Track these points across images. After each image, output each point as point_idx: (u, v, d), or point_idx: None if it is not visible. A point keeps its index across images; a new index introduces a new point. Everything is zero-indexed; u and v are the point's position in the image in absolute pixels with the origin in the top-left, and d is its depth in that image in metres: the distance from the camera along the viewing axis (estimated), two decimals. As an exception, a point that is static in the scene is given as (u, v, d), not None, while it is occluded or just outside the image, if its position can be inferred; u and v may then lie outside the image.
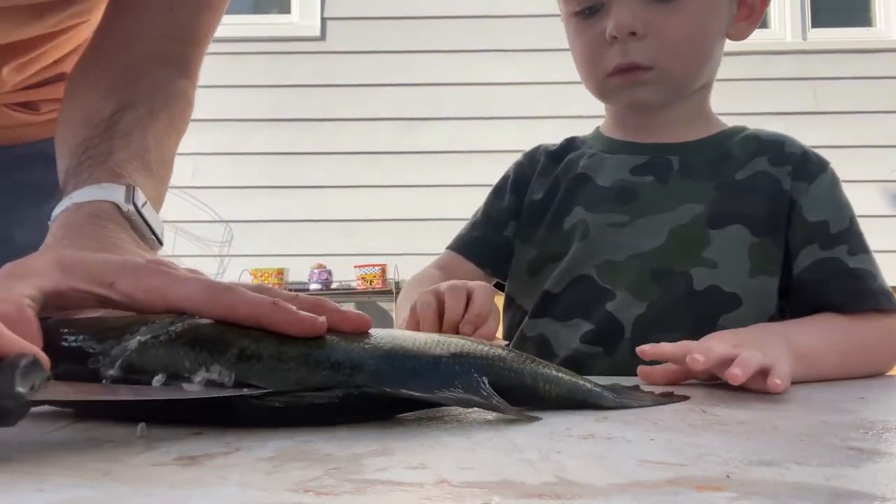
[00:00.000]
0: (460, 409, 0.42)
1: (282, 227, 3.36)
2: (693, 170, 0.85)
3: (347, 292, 3.25)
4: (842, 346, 0.70)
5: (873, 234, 0.84)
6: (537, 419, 0.40)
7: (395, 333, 0.43)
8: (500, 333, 0.93)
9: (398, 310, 0.86)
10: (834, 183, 0.84)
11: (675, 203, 0.83)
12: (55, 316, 0.42)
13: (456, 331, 0.67)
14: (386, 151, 3.40)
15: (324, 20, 3.49)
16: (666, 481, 0.27)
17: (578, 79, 0.88)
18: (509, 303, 0.93)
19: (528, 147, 0.98)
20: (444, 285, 0.71)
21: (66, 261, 0.43)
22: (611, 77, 0.83)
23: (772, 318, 0.80)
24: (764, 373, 0.54)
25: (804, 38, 3.51)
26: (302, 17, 3.50)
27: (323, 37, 3.48)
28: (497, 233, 0.93)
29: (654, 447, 0.34)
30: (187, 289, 0.41)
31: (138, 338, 0.38)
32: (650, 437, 0.36)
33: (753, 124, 0.92)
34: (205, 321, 0.40)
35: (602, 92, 0.86)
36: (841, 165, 0.87)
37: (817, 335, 0.70)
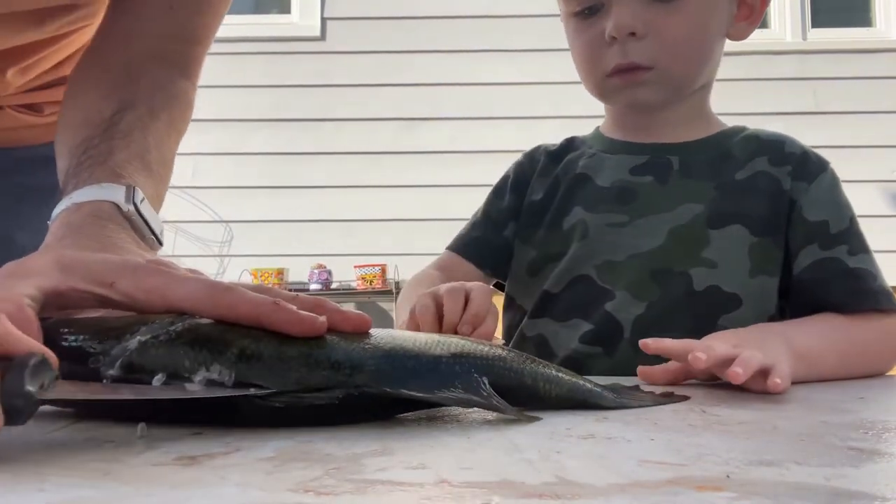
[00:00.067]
0: (460, 409, 0.42)
1: (282, 227, 3.36)
2: (693, 170, 0.85)
3: (347, 292, 3.25)
4: (842, 347, 0.70)
5: (873, 234, 0.84)
6: (537, 419, 0.40)
7: (396, 333, 0.43)
8: (499, 333, 0.93)
9: (398, 310, 0.86)
10: (834, 183, 0.84)
11: (674, 203, 0.83)
12: (55, 316, 0.42)
13: (455, 332, 0.67)
14: (386, 151, 3.40)
15: (324, 20, 3.49)
16: (666, 481, 0.27)
17: (578, 79, 0.88)
18: (509, 303, 0.93)
19: (528, 147, 0.98)
20: (442, 287, 0.71)
21: (66, 260, 0.43)
22: (610, 77, 0.83)
23: (772, 319, 0.80)
24: (764, 373, 0.54)
25: (804, 38, 3.51)
26: (302, 17, 3.50)
27: (323, 37, 3.48)
28: (497, 233, 0.93)
29: (654, 447, 0.34)
30: (187, 289, 0.41)
31: (138, 338, 0.38)
32: (650, 437, 0.36)
33: (753, 124, 0.92)
34: (205, 321, 0.40)
35: (602, 92, 0.86)
36: (841, 165, 0.87)
37: (817, 335, 0.70)
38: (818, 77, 3.41)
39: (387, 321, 3.26)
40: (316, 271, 3.27)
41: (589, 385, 0.46)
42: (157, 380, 0.37)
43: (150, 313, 0.42)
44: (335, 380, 0.37)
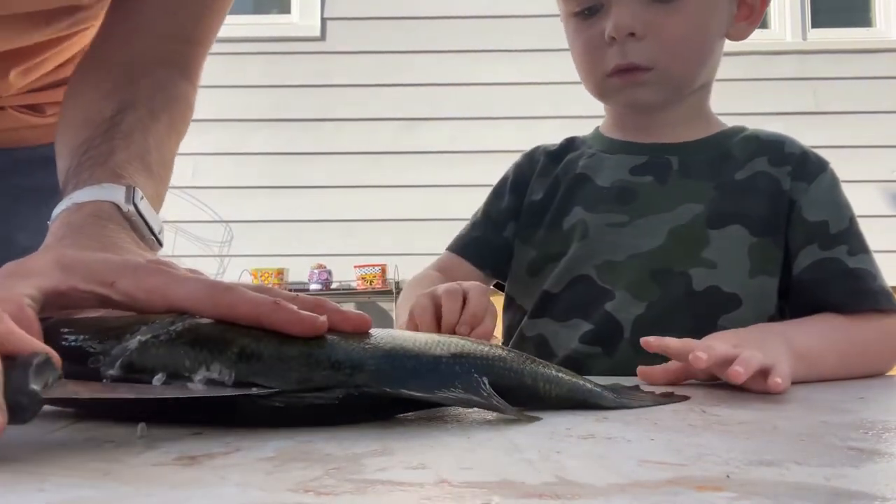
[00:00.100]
0: (460, 409, 0.42)
1: (282, 227, 3.36)
2: (692, 170, 0.85)
3: (347, 292, 3.25)
4: (841, 347, 0.70)
5: (873, 234, 0.84)
6: (537, 419, 0.40)
7: (396, 333, 0.43)
8: (500, 334, 0.93)
9: (399, 312, 0.87)
10: (833, 183, 0.84)
11: (674, 203, 0.83)
12: (56, 315, 0.42)
13: (453, 333, 0.67)
14: (386, 151, 3.40)
15: (324, 20, 3.49)
16: (666, 481, 0.27)
17: (578, 79, 0.88)
18: (509, 303, 0.93)
19: (528, 147, 0.98)
20: (440, 288, 0.71)
21: (66, 260, 0.43)
22: (610, 77, 0.83)
23: (772, 319, 0.80)
24: (764, 373, 0.54)
25: (804, 38, 3.51)
26: (302, 17, 3.50)
27: (323, 37, 3.48)
28: (496, 233, 0.93)
29: (654, 447, 0.34)
30: (188, 288, 0.41)
31: (139, 337, 0.39)
32: (650, 437, 0.36)
33: (753, 124, 0.92)
34: (205, 321, 0.40)
35: (601, 92, 0.86)
36: (841, 165, 0.87)
37: (817, 335, 0.70)
38: (818, 77, 3.41)
39: (387, 321, 3.26)
40: (316, 271, 3.27)
41: (589, 385, 0.46)
42: (158, 379, 0.37)
43: (150, 313, 0.42)
44: (335, 379, 0.37)
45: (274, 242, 3.33)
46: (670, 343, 0.59)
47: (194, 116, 0.68)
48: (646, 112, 0.87)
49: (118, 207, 0.52)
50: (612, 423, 0.40)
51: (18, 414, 0.29)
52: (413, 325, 0.70)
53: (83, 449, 0.32)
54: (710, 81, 0.88)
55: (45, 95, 0.76)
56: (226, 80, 3.15)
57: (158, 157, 0.60)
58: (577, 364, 0.79)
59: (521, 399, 0.42)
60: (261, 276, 3.20)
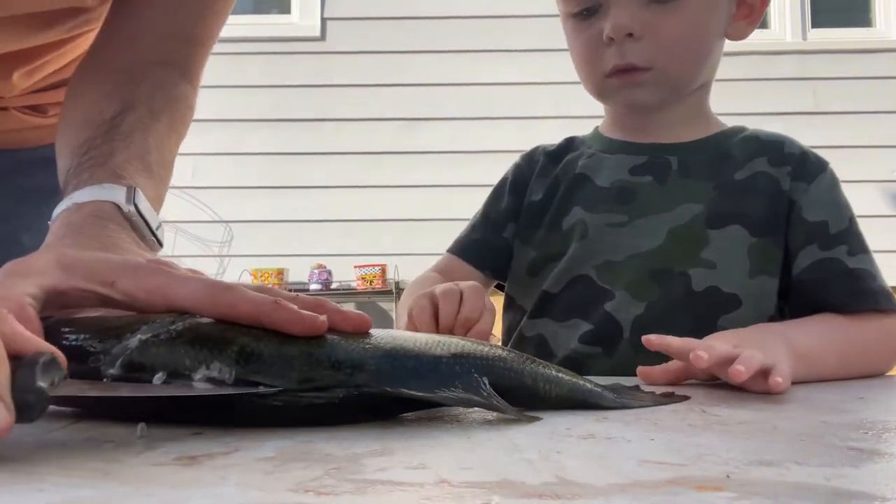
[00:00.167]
0: (460, 409, 0.42)
1: (282, 227, 3.36)
2: (692, 170, 0.85)
3: (347, 292, 3.25)
4: (841, 347, 0.70)
5: (873, 234, 0.84)
6: (537, 419, 0.40)
7: (396, 334, 0.43)
8: (500, 334, 0.93)
9: (399, 313, 0.87)
10: (833, 183, 0.84)
11: (673, 203, 0.83)
12: (56, 315, 0.42)
13: (451, 334, 0.67)
14: (386, 151, 3.40)
15: (324, 20, 3.49)
16: (666, 481, 0.27)
17: (578, 79, 0.88)
18: (509, 303, 0.93)
19: (528, 147, 0.98)
20: (438, 289, 0.72)
21: (67, 260, 0.43)
22: (609, 78, 0.83)
23: (771, 319, 0.80)
24: (764, 373, 0.54)
25: (804, 38, 3.51)
26: (302, 17, 3.50)
27: (323, 37, 3.48)
28: (496, 234, 0.93)
29: (654, 447, 0.34)
30: (188, 288, 0.41)
31: (139, 336, 0.39)
32: (650, 437, 0.36)
33: (753, 124, 0.92)
34: (205, 320, 0.40)
35: (600, 92, 0.86)
36: (840, 165, 0.87)
37: (817, 335, 0.70)
38: (818, 77, 3.42)
39: (387, 321, 3.26)
40: (316, 271, 3.27)
41: (589, 385, 0.46)
42: (158, 378, 0.37)
43: (150, 313, 0.42)
44: (336, 379, 0.37)
45: (274, 242, 3.33)
46: (671, 342, 0.59)
47: (194, 116, 0.69)
48: (645, 112, 0.87)
49: (118, 207, 0.52)
50: (612, 423, 0.40)
51: (25, 412, 0.29)
52: (412, 327, 0.70)
53: (83, 449, 0.32)
54: (709, 81, 0.88)
55: (48, 96, 0.76)
56: (226, 80, 3.15)
57: (158, 157, 0.60)
58: (576, 364, 0.79)
59: (521, 399, 0.42)
60: (261, 276, 3.20)
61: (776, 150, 0.86)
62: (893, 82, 3.39)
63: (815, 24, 3.53)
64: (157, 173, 0.59)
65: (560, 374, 0.45)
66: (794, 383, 0.56)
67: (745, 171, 0.84)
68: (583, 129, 0.97)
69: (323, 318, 0.40)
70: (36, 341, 0.33)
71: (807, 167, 0.84)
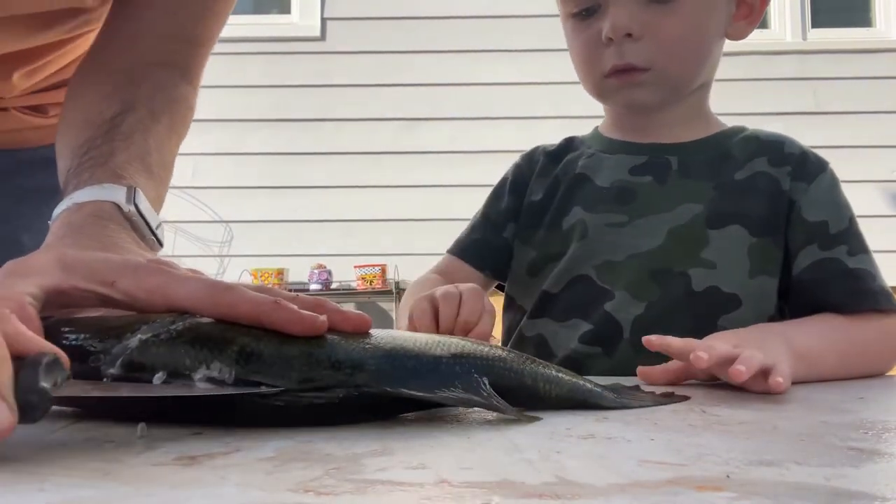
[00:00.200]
0: (460, 409, 0.42)
1: (282, 227, 3.36)
2: (692, 170, 0.85)
3: (347, 292, 3.25)
4: (841, 347, 0.70)
5: (873, 234, 0.84)
6: (537, 419, 0.40)
7: (396, 334, 0.43)
8: (500, 334, 0.93)
9: (400, 314, 0.87)
10: (833, 183, 0.84)
11: (673, 203, 0.83)
12: (56, 314, 0.42)
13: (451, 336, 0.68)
14: (386, 151, 3.40)
15: (324, 20, 3.49)
16: (666, 481, 0.27)
17: (578, 79, 0.88)
18: (509, 303, 0.93)
19: (528, 147, 0.98)
20: (438, 291, 0.72)
21: (67, 259, 0.43)
22: (608, 78, 0.83)
23: (771, 319, 0.80)
24: (765, 373, 0.54)
25: (804, 38, 3.51)
26: (302, 17, 3.50)
27: (323, 37, 3.48)
28: (496, 235, 0.93)
29: (654, 447, 0.34)
30: (188, 288, 0.41)
31: (139, 336, 0.39)
32: (650, 437, 0.36)
33: (753, 124, 0.92)
34: (206, 320, 0.40)
35: (600, 92, 0.86)
36: (840, 165, 0.87)
37: (817, 335, 0.70)
38: (818, 77, 3.42)
39: (387, 321, 3.26)
40: (316, 271, 3.27)
41: (589, 385, 0.46)
42: (158, 378, 0.37)
43: (150, 312, 0.42)
44: (336, 379, 0.37)
45: (274, 242, 3.33)
46: (672, 342, 0.59)
47: (194, 116, 0.69)
48: (644, 112, 0.87)
49: (119, 207, 0.52)
50: (612, 423, 0.40)
51: (29, 413, 0.29)
52: (413, 329, 0.71)
53: (83, 449, 0.32)
54: (709, 81, 0.88)
55: (48, 96, 0.76)
56: (226, 80, 3.15)
57: (159, 158, 0.60)
58: (576, 364, 0.79)
59: (521, 399, 0.42)
60: (261, 276, 3.20)
61: (776, 150, 0.86)
62: (893, 82, 3.39)
63: (815, 24, 3.53)
64: (157, 174, 0.59)
65: (560, 374, 0.45)
66: (794, 383, 0.56)
67: (745, 171, 0.84)
68: (583, 129, 0.97)
69: (323, 318, 0.40)
70: (39, 341, 0.33)
71: (807, 167, 0.84)
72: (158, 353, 0.38)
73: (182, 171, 0.81)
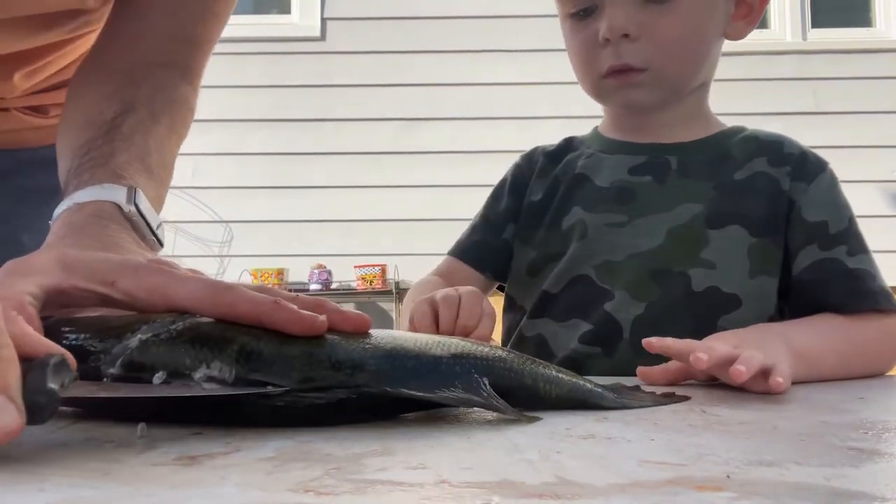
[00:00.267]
0: (460, 410, 0.42)
1: (282, 227, 3.36)
2: (691, 170, 0.85)
3: (347, 292, 3.25)
4: (841, 347, 0.70)
5: (873, 235, 0.84)
6: (537, 419, 0.40)
7: (396, 334, 0.43)
8: (501, 335, 0.93)
9: (402, 316, 0.87)
10: (833, 183, 0.84)
11: (673, 203, 0.83)
12: (56, 314, 0.42)
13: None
14: (386, 151, 3.40)
15: (324, 20, 3.49)
16: (666, 481, 0.27)
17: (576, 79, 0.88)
18: (510, 304, 0.93)
19: (528, 147, 0.98)
20: (438, 294, 0.72)
21: (67, 259, 0.43)
22: (605, 78, 0.83)
23: (771, 319, 0.80)
24: (765, 373, 0.54)
25: (804, 39, 3.51)
26: (302, 18, 3.50)
27: (323, 37, 3.48)
28: (496, 236, 0.93)
29: (654, 447, 0.34)
30: (188, 288, 0.41)
31: (139, 336, 0.39)
32: (650, 437, 0.36)
33: (753, 124, 0.92)
34: (206, 320, 0.40)
35: (598, 93, 0.86)
36: (840, 165, 0.87)
37: (817, 336, 0.70)
38: (818, 77, 3.41)
39: (387, 321, 3.26)
40: (316, 271, 3.27)
41: (589, 385, 0.46)
42: (158, 377, 0.37)
43: (150, 312, 0.42)
44: (336, 379, 0.37)
45: (274, 242, 3.33)
46: (671, 344, 0.59)
47: (194, 117, 0.69)
48: (643, 112, 0.87)
49: (119, 208, 0.52)
50: (612, 423, 0.40)
51: (37, 414, 0.29)
52: (413, 331, 0.71)
53: (83, 449, 0.32)
54: (708, 81, 0.88)
55: (49, 97, 0.76)
56: (226, 80, 3.15)
57: (159, 159, 0.60)
58: (576, 364, 0.79)
59: (522, 399, 0.42)
60: (261, 277, 3.20)
61: (776, 150, 0.86)
62: (893, 82, 3.39)
63: (815, 24, 3.53)
64: (157, 175, 0.59)
65: (560, 375, 0.45)
66: (794, 383, 0.57)
67: (744, 171, 0.84)
68: (583, 129, 0.97)
69: (323, 318, 0.40)
70: (46, 343, 0.33)
71: (806, 167, 0.84)
72: (158, 353, 0.38)
73: (182, 171, 0.81)
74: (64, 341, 0.39)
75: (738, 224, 0.81)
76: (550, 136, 1.05)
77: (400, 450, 0.32)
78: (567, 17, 0.85)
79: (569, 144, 0.95)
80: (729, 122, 0.91)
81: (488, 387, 0.40)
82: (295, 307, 0.40)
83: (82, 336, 0.40)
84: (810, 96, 3.39)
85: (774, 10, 3.52)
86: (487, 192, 0.97)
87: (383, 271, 3.25)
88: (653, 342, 0.60)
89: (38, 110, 0.77)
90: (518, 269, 0.91)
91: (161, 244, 0.56)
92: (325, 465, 0.29)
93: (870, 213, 2.97)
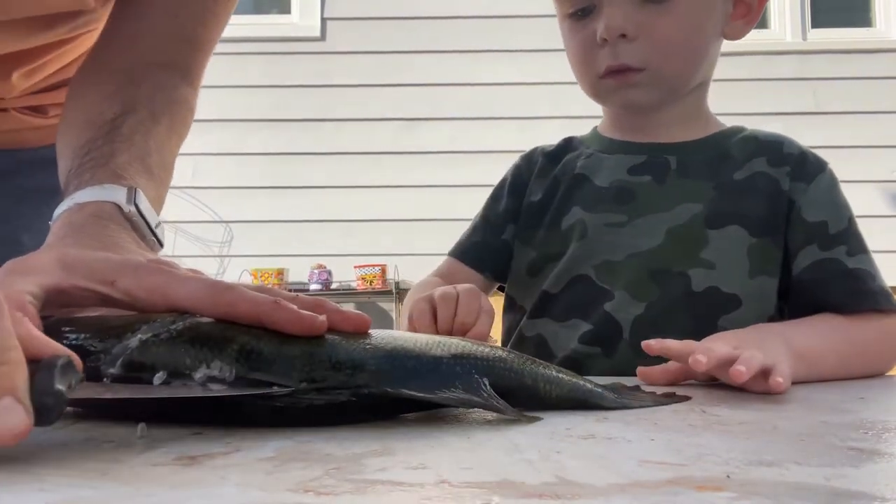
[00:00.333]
0: (460, 410, 0.42)
1: (282, 227, 3.36)
2: (690, 170, 0.85)
3: (347, 292, 3.25)
4: (841, 347, 0.70)
5: (873, 235, 0.84)
6: (537, 419, 0.40)
7: (396, 334, 0.43)
8: (501, 335, 0.93)
9: (401, 316, 0.87)
10: (832, 183, 0.83)
11: (672, 203, 0.83)
12: (57, 314, 0.42)
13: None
14: (386, 151, 3.40)
15: (324, 20, 3.49)
16: (666, 481, 0.27)
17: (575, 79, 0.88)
18: (510, 304, 0.93)
19: (528, 147, 0.98)
20: (437, 292, 0.72)
21: (68, 259, 0.43)
22: (603, 79, 0.83)
23: (771, 319, 0.80)
24: (765, 373, 0.54)
25: (804, 39, 3.51)
26: (302, 18, 3.50)
27: (323, 37, 3.48)
28: (495, 237, 0.93)
29: (654, 447, 0.34)
30: (188, 288, 0.41)
31: (139, 336, 0.39)
32: (650, 437, 0.36)
33: (753, 124, 0.92)
34: (206, 320, 0.40)
35: (596, 93, 0.86)
36: (840, 165, 0.87)
37: (817, 336, 0.70)
38: (818, 77, 3.42)
39: (387, 321, 3.26)
40: (316, 271, 3.27)
41: (589, 385, 0.46)
42: (158, 377, 0.37)
43: (151, 312, 0.42)
44: (336, 379, 0.37)
45: (274, 242, 3.33)
46: (671, 345, 0.59)
47: (194, 117, 0.69)
48: (641, 112, 0.87)
49: (119, 208, 0.52)
50: (612, 423, 0.40)
51: (44, 415, 0.29)
52: (412, 330, 0.71)
53: (83, 449, 0.32)
54: (707, 81, 0.88)
55: (48, 97, 0.76)
56: (226, 81, 3.15)
57: (159, 159, 0.60)
58: (576, 364, 0.79)
59: (522, 399, 0.42)
60: (261, 277, 3.20)
61: (775, 150, 0.86)
62: (893, 82, 3.39)
63: (815, 24, 3.53)
64: (157, 175, 0.59)
65: (560, 375, 0.45)
66: (794, 383, 0.57)
67: (744, 171, 0.84)
68: (583, 129, 0.97)
69: (322, 318, 0.40)
70: (52, 344, 0.33)
71: (806, 167, 0.84)
72: (159, 353, 0.38)
73: (182, 171, 0.82)
74: (64, 341, 0.39)
75: (738, 224, 0.81)
76: (550, 136, 1.05)
77: (400, 450, 0.32)
78: (565, 17, 0.85)
79: (568, 144, 0.95)
80: (729, 122, 0.91)
81: (488, 387, 0.40)
82: (295, 307, 0.40)
83: (82, 336, 0.40)
84: (810, 96, 3.39)
85: (774, 10, 3.52)
86: (487, 192, 0.97)
87: (383, 271, 3.25)
88: (652, 345, 0.60)
89: (37, 110, 0.77)
90: (518, 269, 0.91)
91: (161, 244, 0.56)
92: (325, 465, 0.29)
93: (870, 213, 2.97)
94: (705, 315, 0.79)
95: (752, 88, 3.26)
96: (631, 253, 0.82)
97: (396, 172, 3.37)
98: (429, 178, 3.34)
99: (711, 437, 0.37)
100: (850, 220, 0.81)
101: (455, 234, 0.97)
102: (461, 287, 0.73)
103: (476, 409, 0.42)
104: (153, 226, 0.54)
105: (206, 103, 0.74)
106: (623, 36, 0.80)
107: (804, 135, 0.94)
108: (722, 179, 0.84)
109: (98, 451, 0.32)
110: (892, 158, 3.34)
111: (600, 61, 0.82)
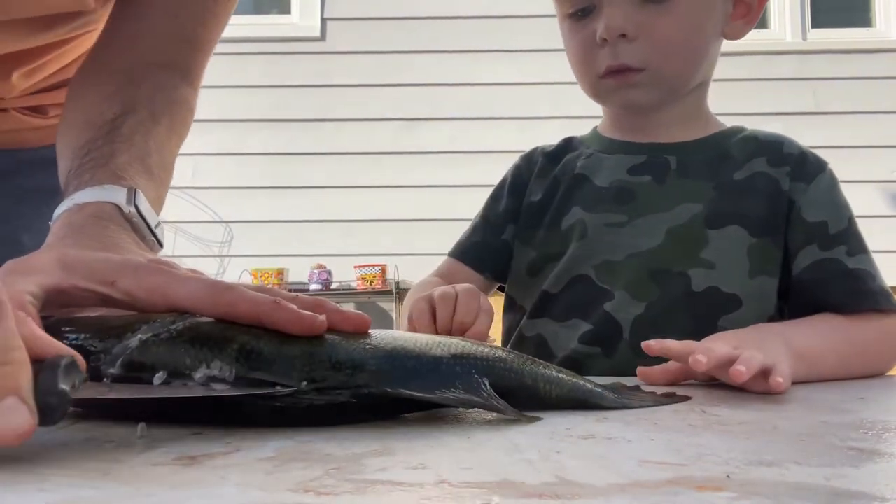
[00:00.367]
0: (460, 410, 0.42)
1: (282, 227, 3.36)
2: (690, 170, 0.85)
3: (347, 292, 3.25)
4: (841, 347, 0.70)
5: (873, 235, 0.84)
6: (537, 419, 0.40)
7: (396, 334, 0.43)
8: (501, 335, 0.93)
9: (401, 316, 0.87)
10: (832, 183, 0.84)
11: (672, 203, 0.83)
12: (56, 314, 0.42)
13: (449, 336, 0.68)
14: (386, 151, 3.40)
15: (324, 20, 3.49)
16: (666, 481, 0.27)
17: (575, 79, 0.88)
18: (510, 304, 0.93)
19: (528, 147, 0.98)
20: (436, 291, 0.72)
21: (68, 259, 0.43)
22: (603, 79, 0.83)
23: (771, 319, 0.80)
24: (765, 373, 0.54)
25: (804, 39, 3.51)
26: (302, 18, 3.50)
27: (323, 37, 3.48)
28: (495, 237, 0.93)
29: (654, 447, 0.34)
30: (188, 288, 0.41)
31: (139, 336, 0.39)
32: (650, 437, 0.36)
33: (753, 124, 0.92)
34: (206, 320, 0.40)
35: (596, 93, 0.86)
36: (840, 165, 0.87)
37: (817, 336, 0.70)
38: (818, 77, 3.42)
39: (387, 321, 3.26)
40: (316, 271, 3.27)
41: (589, 385, 0.46)
42: (159, 377, 0.37)
43: (151, 312, 0.42)
44: (336, 379, 0.37)
45: (274, 242, 3.33)
46: (671, 345, 0.59)
47: (194, 117, 0.69)
48: (641, 112, 0.87)
49: (119, 208, 0.52)
50: (612, 423, 0.40)
51: (48, 415, 0.29)
52: (412, 329, 0.71)
53: (83, 449, 0.32)
54: (707, 81, 0.88)
55: (48, 97, 0.76)
56: (226, 81, 3.15)
57: (159, 159, 0.60)
58: (576, 364, 0.79)
59: (522, 399, 0.42)
60: (261, 277, 3.20)
61: (775, 150, 0.86)
62: (893, 82, 3.39)
63: (815, 24, 3.53)
64: (157, 175, 0.59)
65: (560, 375, 0.45)
66: (794, 383, 0.57)
67: (744, 171, 0.84)
68: (583, 129, 0.97)
69: (322, 318, 0.40)
70: (56, 344, 0.33)
71: (806, 167, 0.84)
72: (159, 353, 0.38)
73: (182, 171, 0.82)
74: (64, 341, 0.39)
75: (738, 224, 0.81)
76: (550, 136, 1.05)
77: (400, 450, 0.32)
78: (565, 17, 0.85)
79: (568, 144, 0.95)
80: (729, 122, 0.91)
81: (488, 387, 0.40)
82: (295, 307, 0.40)
83: (82, 336, 0.40)
84: (810, 96, 3.39)
85: (774, 10, 3.52)
86: (487, 192, 0.97)
87: (383, 271, 3.25)
88: (652, 345, 0.60)
89: (37, 110, 0.77)
90: (518, 269, 0.91)
91: (161, 245, 0.56)
92: (325, 465, 0.29)
93: (870, 213, 2.97)
94: (705, 315, 0.79)
95: (752, 88, 3.26)
96: (631, 253, 0.82)
97: (396, 172, 3.37)
98: (429, 178, 3.34)
99: (711, 437, 0.37)
100: (850, 220, 0.81)
101: (455, 234, 0.97)
102: (460, 287, 0.73)
103: (476, 409, 0.42)
104: (153, 226, 0.54)
105: (206, 103, 0.74)
106: (623, 36, 0.80)
107: (804, 135, 0.94)
108: (722, 179, 0.84)
109: (99, 450, 0.32)
110: (892, 158, 3.34)
111: (600, 61, 0.82)
